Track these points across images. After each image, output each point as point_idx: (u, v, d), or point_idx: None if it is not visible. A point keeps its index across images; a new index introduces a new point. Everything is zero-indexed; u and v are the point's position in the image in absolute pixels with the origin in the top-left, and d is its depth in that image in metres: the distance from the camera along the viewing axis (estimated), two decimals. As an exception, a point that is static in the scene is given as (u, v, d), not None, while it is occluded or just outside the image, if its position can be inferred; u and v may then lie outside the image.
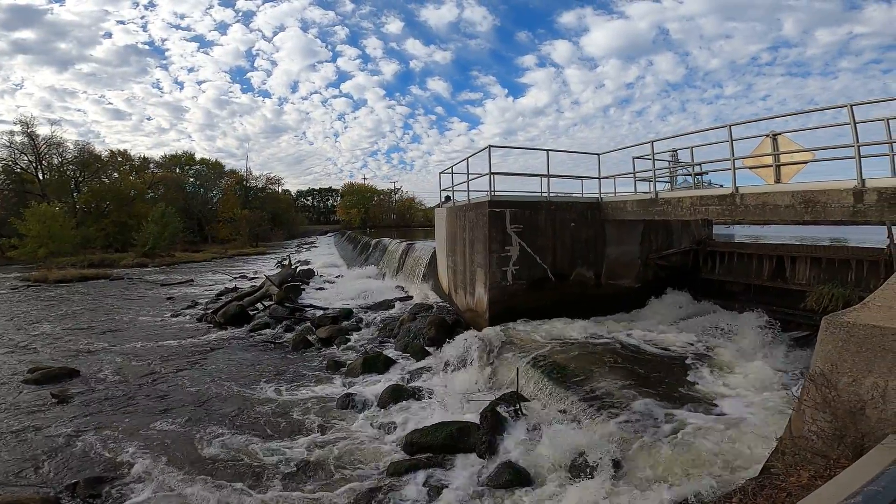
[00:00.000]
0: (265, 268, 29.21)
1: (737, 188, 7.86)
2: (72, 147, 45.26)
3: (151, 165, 58.14)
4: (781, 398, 5.57)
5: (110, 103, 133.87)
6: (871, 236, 10.71)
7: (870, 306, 3.38)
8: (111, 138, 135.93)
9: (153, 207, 40.59)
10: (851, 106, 6.09)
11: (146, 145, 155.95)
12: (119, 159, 53.20)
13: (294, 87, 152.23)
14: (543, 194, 10.38)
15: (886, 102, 6.06)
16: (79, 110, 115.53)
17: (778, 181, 7.79)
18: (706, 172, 10.64)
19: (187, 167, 63.14)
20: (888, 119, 5.97)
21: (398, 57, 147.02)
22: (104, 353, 10.94)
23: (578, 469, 4.81)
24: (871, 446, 2.53)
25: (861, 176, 6.15)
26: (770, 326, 8.40)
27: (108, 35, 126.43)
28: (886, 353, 2.80)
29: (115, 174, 50.13)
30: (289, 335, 12.11)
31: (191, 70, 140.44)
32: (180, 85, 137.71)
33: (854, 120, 6.07)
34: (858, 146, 6.12)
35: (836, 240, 13.33)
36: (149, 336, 12.57)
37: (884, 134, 6.09)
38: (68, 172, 44.82)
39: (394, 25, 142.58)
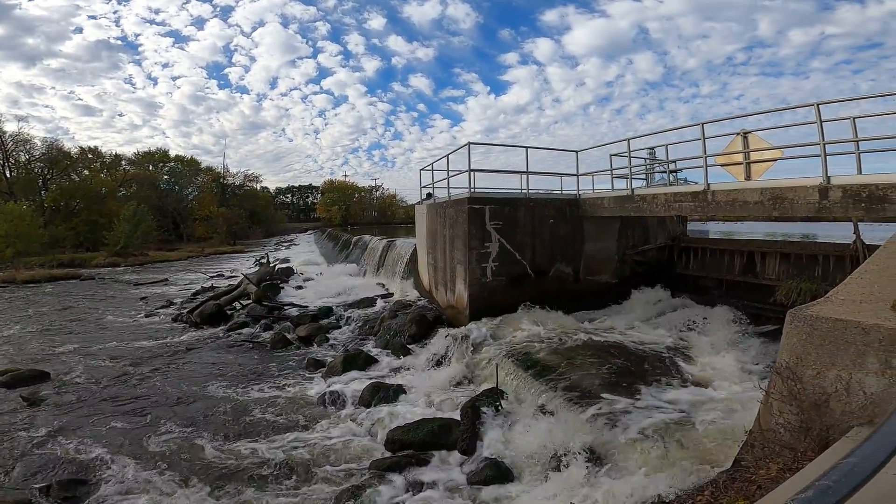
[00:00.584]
0: (243, 266, 28.73)
1: (709, 185, 8.04)
2: (39, 144, 43.67)
3: (123, 162, 56.36)
4: (751, 391, 5.73)
5: (80, 99, 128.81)
6: (841, 232, 11.06)
7: (833, 300, 3.49)
8: (81, 135, 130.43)
9: (125, 205, 39.44)
10: (818, 105, 6.29)
11: (117, 142, 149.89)
12: (89, 156, 51.38)
13: (273, 84, 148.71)
14: (523, 191, 10.45)
15: (855, 102, 6.27)
16: (47, 106, 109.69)
17: (748, 178, 8.00)
18: (681, 170, 10.85)
19: (161, 164, 61.45)
20: (854, 118, 6.17)
21: (380, 53, 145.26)
22: (75, 355, 10.63)
23: (557, 463, 4.88)
24: (836, 439, 2.62)
25: (826, 173, 6.36)
26: (741, 321, 8.64)
27: (79, 30, 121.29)
28: (849, 346, 2.89)
29: (86, 171, 48.50)
30: (267, 334, 11.95)
31: (165, 65, 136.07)
32: (154, 80, 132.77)
33: (820, 118, 6.27)
34: (824, 144, 6.32)
35: (805, 235, 13.76)
36: (122, 337, 12.25)
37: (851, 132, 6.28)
38: (36, 170, 43.23)
39: (376, 22, 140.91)
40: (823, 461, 2.18)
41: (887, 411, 2.58)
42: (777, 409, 3.12)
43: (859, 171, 6.21)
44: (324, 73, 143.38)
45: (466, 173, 9.93)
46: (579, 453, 4.84)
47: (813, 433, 2.79)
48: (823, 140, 6.31)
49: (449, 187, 11.12)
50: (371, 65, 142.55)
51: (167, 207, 52.50)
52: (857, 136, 6.16)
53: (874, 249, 5.87)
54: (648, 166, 12.05)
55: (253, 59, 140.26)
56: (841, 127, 6.57)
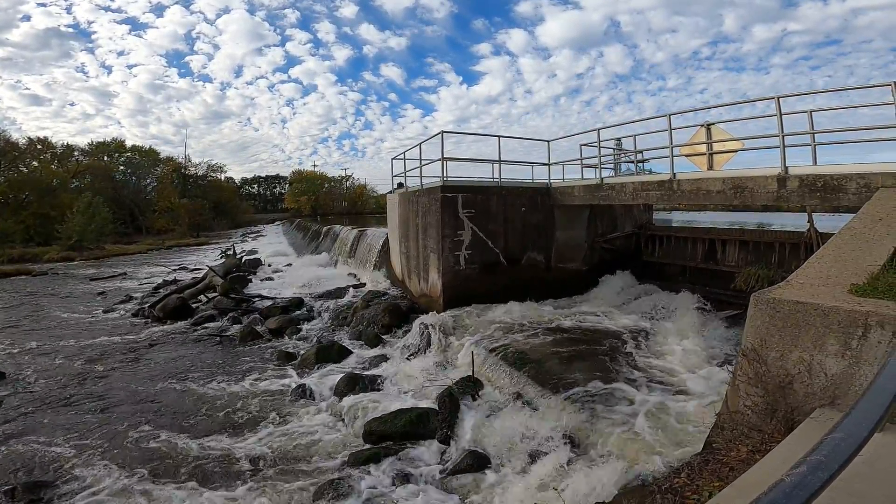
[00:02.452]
0: (208, 259, 27.87)
1: (674, 174, 8.28)
2: (-15, 135, 40.88)
3: (76, 153, 53.28)
4: (717, 375, 5.99)
5: (27, 88, 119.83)
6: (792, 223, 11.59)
7: (793, 284, 3.64)
8: (29, 125, 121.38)
9: (79, 198, 37.47)
10: (778, 98, 6.54)
11: (69, 132, 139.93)
12: (38, 147, 48.42)
13: (238, 72, 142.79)
14: (495, 180, 10.51)
15: (811, 96, 6.56)
16: None
17: (711, 168, 8.29)
18: (647, 160, 11.13)
19: (117, 155, 58.52)
20: (811, 111, 6.45)
21: (351, 42, 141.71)
22: (31, 354, 10.11)
23: (536, 450, 4.98)
24: (801, 420, 2.74)
25: (785, 164, 6.64)
26: (704, 306, 8.98)
27: (27, 18, 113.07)
28: (809, 328, 3.02)
29: (35, 163, 45.78)
30: (236, 327, 11.65)
31: (121, 53, 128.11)
32: (108, 69, 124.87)
33: (780, 111, 6.53)
34: (783, 136, 6.59)
35: (760, 225, 14.38)
36: (79, 334, 11.71)
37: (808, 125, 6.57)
38: (-18, 162, 40.52)
39: (348, 9, 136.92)
40: (792, 442, 2.29)
41: (847, 392, 2.73)
42: (744, 391, 3.25)
43: (815, 162, 6.52)
44: (292, 61, 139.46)
45: (439, 162, 9.89)
46: (556, 440, 4.96)
47: (779, 414, 2.91)
48: (782, 132, 6.58)
49: (421, 176, 11.07)
50: (342, 53, 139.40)
51: (124, 199, 50.06)
52: (813, 129, 6.45)
53: (827, 237, 6.18)
54: (616, 156, 12.30)
55: (217, 47, 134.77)
56: (798, 120, 6.87)
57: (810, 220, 8.24)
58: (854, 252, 3.99)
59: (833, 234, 4.76)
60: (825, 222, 8.55)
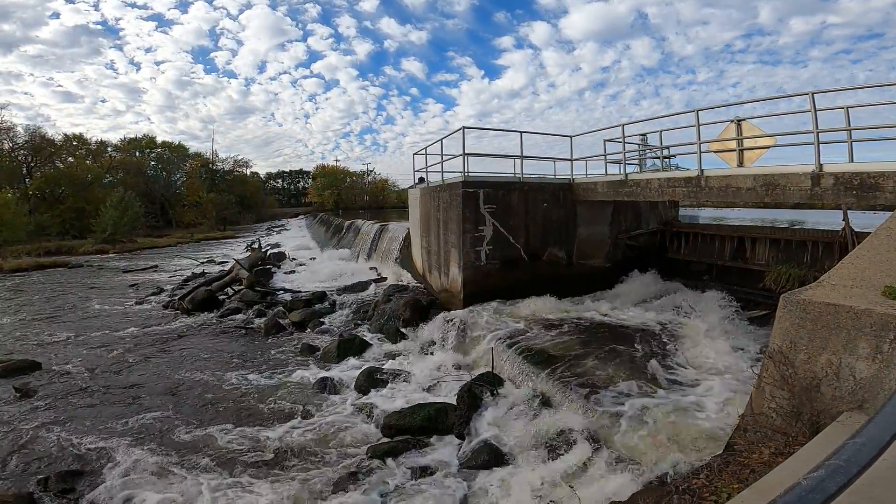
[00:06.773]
0: (234, 252, 28.51)
1: (702, 171, 8.08)
2: (22, 131, 42.63)
3: (109, 149, 55.20)
4: (742, 376, 5.85)
5: (60, 86, 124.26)
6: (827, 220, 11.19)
7: (824, 285, 3.53)
8: (62, 122, 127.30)
9: (111, 192, 38.80)
10: (813, 94, 6.31)
11: (101, 128, 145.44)
12: (74, 143, 50.30)
13: (261, 68, 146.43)
14: (517, 175, 10.45)
15: (851, 91, 6.30)
16: (25, 93, 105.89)
17: (741, 165, 8.06)
18: (674, 156, 10.89)
19: (148, 150, 60.33)
20: (847, 107, 6.21)
21: (372, 36, 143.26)
22: (66, 344, 10.55)
23: (553, 448, 4.97)
24: (827, 423, 2.67)
25: (819, 161, 6.41)
26: (731, 306, 8.76)
27: (56, 15, 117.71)
28: (840, 331, 2.94)
29: (70, 159, 47.53)
30: (260, 320, 11.92)
31: (148, 50, 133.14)
32: (137, 66, 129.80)
33: (815, 107, 6.30)
34: (818, 132, 6.36)
35: (792, 223, 13.92)
36: (113, 325, 12.16)
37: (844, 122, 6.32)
38: (19, 157, 42.27)
39: (368, 3, 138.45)
40: (816, 446, 2.23)
41: (876, 396, 2.64)
42: (769, 393, 3.18)
43: (851, 159, 6.28)
44: (314, 56, 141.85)
45: (460, 157, 9.89)
46: (573, 438, 4.93)
47: (804, 418, 2.84)
48: (817, 128, 6.35)
49: (443, 171, 11.08)
50: (363, 48, 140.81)
51: (155, 194, 51.76)
52: (850, 126, 6.20)
53: (863, 237, 5.95)
54: (641, 152, 12.07)
55: (240, 43, 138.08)
56: (835, 116, 6.61)
57: (845, 219, 7.93)
58: (889, 253, 3.84)
59: (870, 232, 4.59)
60: (867, 220, 8.22)
